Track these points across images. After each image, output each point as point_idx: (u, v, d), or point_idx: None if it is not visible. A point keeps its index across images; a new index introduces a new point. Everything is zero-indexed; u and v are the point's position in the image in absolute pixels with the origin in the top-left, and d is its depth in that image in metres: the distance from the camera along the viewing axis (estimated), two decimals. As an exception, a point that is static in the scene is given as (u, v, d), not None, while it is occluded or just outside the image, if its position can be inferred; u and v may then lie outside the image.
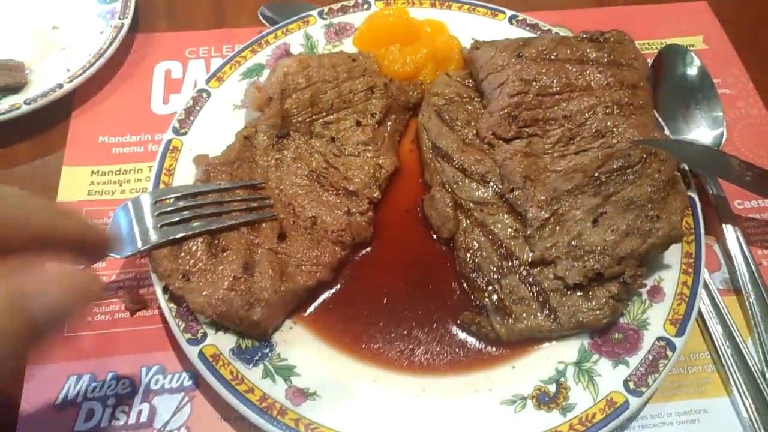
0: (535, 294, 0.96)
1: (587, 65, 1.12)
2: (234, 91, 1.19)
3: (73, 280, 0.58)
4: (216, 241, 0.98)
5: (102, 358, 0.99)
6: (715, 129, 1.18)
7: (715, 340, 0.99)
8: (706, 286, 1.02)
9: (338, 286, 1.02)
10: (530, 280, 0.97)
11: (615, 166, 1.00)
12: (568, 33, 1.33)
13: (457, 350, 0.97)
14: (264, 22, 1.33)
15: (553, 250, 0.97)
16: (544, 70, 1.11)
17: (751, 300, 1.01)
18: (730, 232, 1.09)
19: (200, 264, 0.95)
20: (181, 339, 0.93)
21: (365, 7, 1.32)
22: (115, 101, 1.29)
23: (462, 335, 0.98)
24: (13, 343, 0.50)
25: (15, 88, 1.23)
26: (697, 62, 1.24)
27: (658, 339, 0.93)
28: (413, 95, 1.19)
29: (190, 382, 0.98)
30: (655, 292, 0.98)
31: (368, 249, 1.06)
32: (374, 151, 1.11)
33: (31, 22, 1.35)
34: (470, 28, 1.28)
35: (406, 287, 1.02)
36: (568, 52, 1.14)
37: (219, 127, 1.14)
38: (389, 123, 1.16)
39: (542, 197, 1.01)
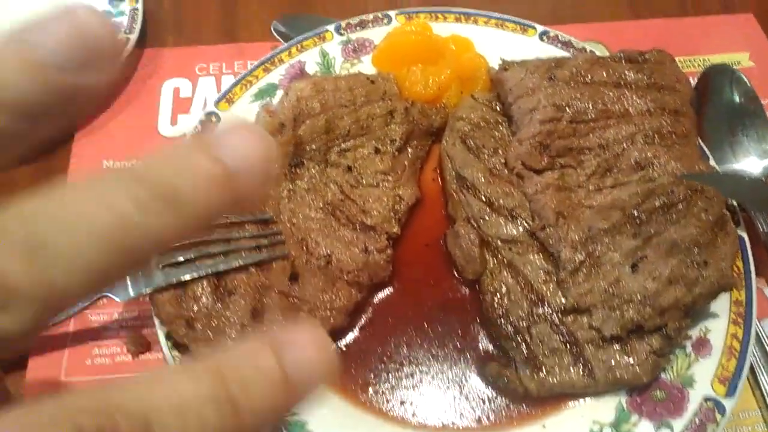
0: (568, 345, 0.89)
1: (625, 89, 1.04)
2: (245, 114, 1.12)
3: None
4: (223, 284, 0.91)
5: (102, 405, 0.93)
6: (765, 158, 1.09)
7: (767, 397, 0.91)
8: (756, 337, 0.93)
9: (354, 333, 0.95)
10: (563, 329, 0.90)
11: (657, 205, 0.92)
12: (602, 50, 1.24)
13: (483, 407, 0.90)
14: (277, 37, 1.26)
15: (588, 297, 0.90)
16: (578, 95, 1.03)
17: (806, 351, 0.93)
18: (782, 274, 1.00)
19: (205, 309, 0.89)
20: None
21: (385, 21, 1.24)
22: (120, 122, 1.22)
23: (488, 390, 0.91)
24: None
25: (15, 110, 1.17)
26: (745, 84, 1.15)
27: (706, 399, 0.85)
28: (436, 119, 1.11)
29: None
30: (701, 345, 0.90)
31: (386, 290, 0.99)
32: (394, 180, 1.04)
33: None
34: (498, 45, 1.20)
35: (428, 334, 0.95)
36: (605, 74, 1.06)
37: (228, 154, 1.07)
38: (410, 150, 1.09)
39: (576, 237, 0.93)
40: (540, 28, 1.23)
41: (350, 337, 0.95)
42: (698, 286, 0.86)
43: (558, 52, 1.19)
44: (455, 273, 1.00)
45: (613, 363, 0.86)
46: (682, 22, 1.37)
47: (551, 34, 1.22)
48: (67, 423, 0.30)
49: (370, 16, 1.24)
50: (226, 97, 1.14)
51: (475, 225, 0.99)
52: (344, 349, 0.94)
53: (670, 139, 0.98)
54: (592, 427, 0.86)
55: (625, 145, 0.99)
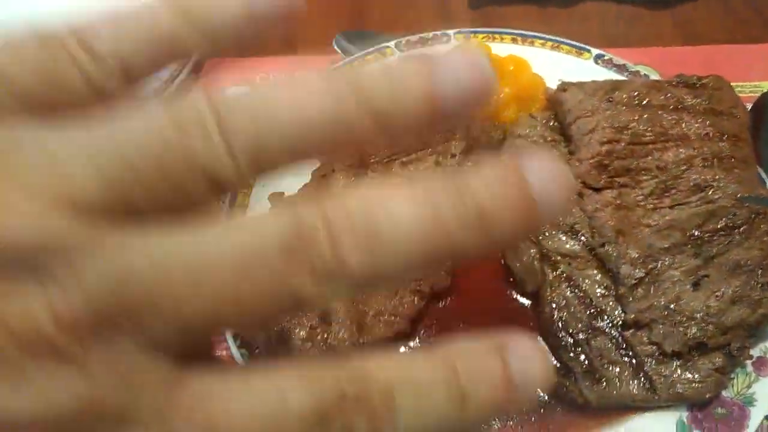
0: (628, 359, 0.90)
1: (683, 113, 1.06)
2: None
3: None
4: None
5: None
6: (819, 185, 1.11)
7: (822, 418, 0.92)
8: (813, 358, 0.95)
9: (415, 340, 0.97)
10: (622, 343, 0.91)
11: (718, 226, 0.94)
12: (654, 73, 1.26)
13: (542, 416, 0.91)
14: (339, 51, 1.29)
15: (648, 313, 0.91)
16: (636, 117, 1.05)
17: None
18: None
19: (275, 311, 0.91)
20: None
21: (444, 40, 1.27)
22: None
23: (547, 399, 0.92)
24: None
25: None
26: (798, 111, 1.17)
27: (767, 418, 0.86)
28: (495, 136, 1.14)
29: None
30: (762, 365, 0.91)
31: (445, 300, 1.01)
32: (454, 193, 1.06)
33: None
34: (554, 67, 1.23)
35: (486, 343, 0.97)
36: (662, 97, 1.08)
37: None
38: (469, 164, 1.11)
39: (636, 254, 0.95)
40: (594, 51, 1.26)
41: (412, 343, 0.97)
42: (763, 307, 0.88)
43: (613, 75, 1.22)
44: (513, 285, 1.02)
45: (674, 378, 0.87)
46: (731, 49, 1.39)
47: (606, 57, 1.25)
48: (331, 386, 0.32)
49: (430, 35, 1.28)
50: (290, 109, 1.16)
51: (535, 239, 1.01)
52: (405, 350, 0.95)
53: (729, 163, 1.00)
54: (652, 440, 0.88)
55: (683, 167, 1.01)
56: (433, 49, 1.23)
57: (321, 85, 0.33)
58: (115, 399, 0.29)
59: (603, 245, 0.98)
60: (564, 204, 0.34)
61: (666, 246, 0.95)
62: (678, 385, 0.87)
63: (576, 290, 0.96)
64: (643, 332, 0.91)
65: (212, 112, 0.31)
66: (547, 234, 1.01)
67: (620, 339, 0.92)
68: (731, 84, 1.12)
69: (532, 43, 1.27)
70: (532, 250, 1.00)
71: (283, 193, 1.05)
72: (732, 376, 0.90)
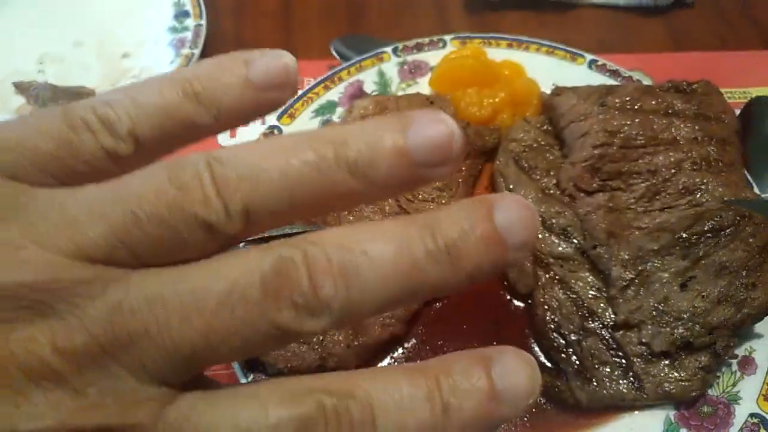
0: (618, 359, 0.93)
1: (673, 117, 1.09)
2: (306, 129, 1.17)
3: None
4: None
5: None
6: (808, 188, 1.14)
7: (807, 416, 0.95)
8: (799, 358, 0.97)
9: (410, 342, 1.00)
10: (612, 343, 0.94)
11: (705, 228, 0.96)
12: (647, 79, 1.29)
13: (533, 415, 0.93)
14: (336, 56, 1.32)
15: (638, 314, 0.94)
16: (628, 122, 1.08)
17: None
18: (822, 298, 1.04)
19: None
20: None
21: (441, 45, 1.30)
22: (182, 133, 1.28)
23: (539, 399, 0.94)
24: None
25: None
26: (787, 115, 1.20)
27: (752, 415, 0.89)
28: (490, 140, 1.17)
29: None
30: (747, 364, 0.94)
31: (440, 302, 1.04)
32: (449, 197, 1.09)
33: (102, 49, 1.36)
34: (548, 72, 1.26)
35: (479, 344, 0.99)
36: (654, 102, 1.11)
37: (290, 166, 1.13)
38: (464, 168, 1.14)
39: (626, 256, 0.98)
40: (589, 56, 1.28)
41: (407, 345, 0.99)
42: (747, 307, 0.90)
43: (606, 80, 1.25)
44: (507, 288, 1.04)
45: (662, 378, 0.90)
46: (722, 55, 1.42)
47: (599, 63, 1.27)
48: (310, 400, 0.34)
49: (426, 40, 1.30)
50: (288, 112, 1.19)
51: (528, 242, 1.03)
52: (401, 357, 0.98)
53: (717, 166, 1.03)
54: (640, 438, 0.90)
55: (673, 170, 1.04)
56: (429, 55, 1.27)
57: (305, 145, 0.37)
58: (105, 417, 0.33)
59: (594, 247, 1.00)
60: (531, 242, 0.38)
61: (656, 248, 0.97)
62: (666, 384, 0.90)
63: (568, 292, 0.99)
64: (633, 333, 0.94)
65: (210, 175, 0.35)
66: (539, 236, 1.03)
67: (611, 340, 0.94)
68: (721, 90, 1.14)
69: (527, 48, 1.30)
70: (524, 253, 1.02)
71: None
72: (718, 374, 0.93)
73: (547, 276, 1.01)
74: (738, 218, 0.96)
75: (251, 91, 0.42)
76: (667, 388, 0.89)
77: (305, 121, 1.19)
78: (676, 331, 0.91)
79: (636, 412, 0.93)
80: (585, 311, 0.97)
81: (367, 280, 0.35)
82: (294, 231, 1.02)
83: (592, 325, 0.96)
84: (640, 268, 0.97)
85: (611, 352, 0.93)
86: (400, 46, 1.29)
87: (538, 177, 1.10)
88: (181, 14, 1.39)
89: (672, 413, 0.92)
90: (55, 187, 0.37)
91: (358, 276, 0.35)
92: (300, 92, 1.23)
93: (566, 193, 1.07)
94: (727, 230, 0.96)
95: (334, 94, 1.23)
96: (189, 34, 1.35)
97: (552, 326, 0.97)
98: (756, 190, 1.09)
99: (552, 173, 1.10)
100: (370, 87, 1.25)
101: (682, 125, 1.07)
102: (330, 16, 1.49)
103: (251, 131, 1.25)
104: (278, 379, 0.36)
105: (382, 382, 0.36)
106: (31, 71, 1.32)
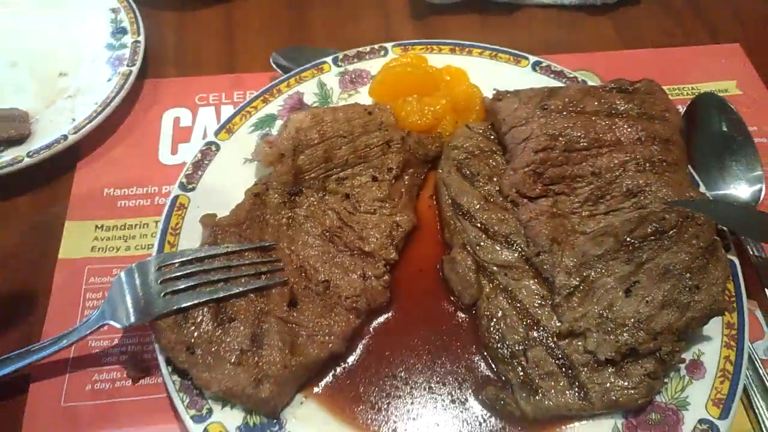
0: (563, 369, 0.90)
1: (616, 118, 1.06)
2: (244, 144, 1.14)
3: None
4: (223, 310, 0.93)
5: (102, 430, 0.94)
6: (754, 184, 1.11)
7: (760, 418, 0.92)
8: (749, 359, 0.94)
9: (352, 358, 0.96)
10: (558, 353, 0.91)
11: (648, 231, 0.94)
12: (594, 79, 1.27)
13: (479, 429, 0.90)
14: (276, 68, 1.28)
15: (583, 322, 0.91)
16: (570, 124, 1.05)
17: (798, 372, 0.95)
18: (773, 296, 1.02)
19: (206, 335, 0.90)
20: (185, 416, 0.88)
21: (382, 53, 1.27)
22: (121, 151, 1.24)
23: (485, 412, 0.91)
24: None
25: (18, 140, 1.18)
26: (732, 111, 1.18)
27: (701, 421, 0.87)
28: (432, 148, 1.14)
29: (196, 461, 0.92)
30: (695, 368, 0.91)
31: (383, 315, 1.00)
32: (391, 208, 1.06)
33: (38, 68, 1.32)
34: (492, 76, 1.23)
35: (424, 359, 0.96)
36: (596, 103, 1.08)
37: (228, 182, 1.10)
38: (407, 177, 1.11)
39: (570, 263, 0.95)
40: (532, 58, 1.26)
41: (348, 361, 0.95)
42: (690, 311, 0.88)
43: (551, 82, 1.22)
44: (451, 298, 1.01)
45: (608, 386, 0.87)
46: (670, 51, 1.40)
47: (543, 64, 1.25)
48: None
49: (367, 48, 1.27)
50: (226, 127, 1.16)
51: (471, 251, 1.00)
52: (343, 373, 0.94)
53: (661, 167, 1.00)
54: (588, 449, 0.87)
55: (617, 172, 1.01)
56: (370, 63, 1.23)
57: None
58: None
59: (538, 254, 0.97)
60: None
61: (599, 253, 0.94)
62: (612, 393, 0.87)
63: (512, 301, 0.96)
64: (578, 341, 0.91)
65: None
66: (482, 245, 1.00)
67: (556, 349, 0.91)
68: (670, 86, 1.12)
69: (470, 53, 1.27)
70: (468, 262, 0.99)
71: (215, 215, 1.04)
72: (665, 380, 0.90)
73: (491, 285, 0.98)
74: (681, 219, 0.94)
75: None
76: (613, 397, 0.86)
77: (244, 135, 1.15)
78: (620, 338, 0.88)
79: (583, 421, 0.89)
80: (530, 320, 0.94)
81: None
82: (247, 247, 0.98)
83: (537, 334, 0.93)
84: (584, 274, 0.94)
85: (557, 361, 0.90)
86: (341, 55, 1.26)
87: (481, 184, 1.07)
88: (119, 31, 1.35)
89: (620, 422, 0.89)
90: None
91: None
92: (238, 106, 1.19)
93: (509, 200, 1.04)
94: (671, 232, 0.94)
95: (274, 107, 1.19)
96: (127, 51, 1.32)
97: (496, 337, 0.94)
98: (702, 188, 1.06)
99: (495, 180, 1.07)
100: (310, 99, 1.21)
101: (625, 126, 1.05)
102: (272, 28, 1.46)
103: (193, 147, 1.22)
104: None
105: None
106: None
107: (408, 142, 1.11)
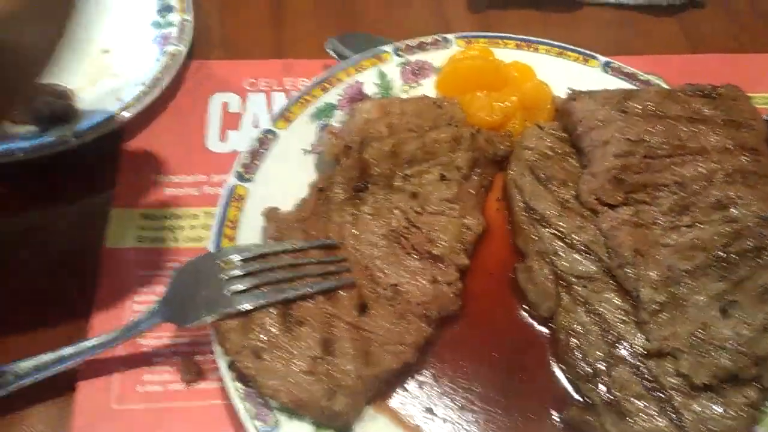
0: (652, 392, 0.84)
1: (700, 124, 1.01)
2: (303, 134, 1.07)
3: None
4: (290, 312, 0.86)
5: (155, 436, 0.87)
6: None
7: None
8: None
9: (423, 369, 0.90)
10: (645, 373, 0.85)
11: (746, 247, 0.88)
12: (660, 81, 1.20)
13: (561, 451, 0.84)
14: (332, 55, 1.21)
15: (673, 341, 0.85)
16: (652, 129, 0.99)
17: None
18: None
19: (273, 340, 0.83)
20: (251, 428, 0.81)
21: (445, 44, 1.20)
22: (167, 136, 1.16)
23: (568, 433, 0.85)
24: None
25: (62, 118, 1.10)
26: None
27: (802, 455, 0.81)
28: (502, 147, 1.07)
29: (256, 472, 0.85)
30: (795, 397, 0.86)
31: (454, 324, 0.94)
32: (459, 209, 0.99)
33: (81, 44, 1.24)
34: (559, 74, 1.17)
35: (499, 371, 0.90)
36: (678, 108, 1.02)
37: (287, 174, 1.03)
38: (475, 178, 1.04)
39: (656, 276, 0.89)
40: (602, 58, 1.20)
41: (418, 372, 0.89)
42: (797, 336, 0.82)
43: (621, 84, 1.16)
44: (524, 308, 0.95)
45: (705, 414, 0.81)
46: (739, 58, 1.34)
47: (614, 65, 1.19)
48: None
49: (429, 39, 1.20)
50: (283, 115, 1.09)
51: (548, 260, 0.94)
52: (415, 385, 0.88)
53: (753, 178, 0.95)
54: (680, 479, 0.81)
55: (703, 182, 0.95)
56: (432, 55, 1.17)
57: None
58: None
59: (620, 266, 0.91)
60: None
61: (689, 268, 0.89)
62: (709, 422, 0.80)
63: (593, 315, 0.90)
64: (668, 362, 0.85)
65: None
66: (560, 254, 0.94)
67: (644, 369, 0.85)
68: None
69: (536, 49, 1.21)
70: (545, 271, 0.93)
71: (277, 208, 0.97)
72: (764, 410, 0.84)
73: (569, 297, 0.92)
74: (781, 236, 0.88)
75: None
76: (711, 426, 0.80)
77: (302, 125, 1.08)
78: (719, 362, 0.82)
79: (674, 450, 0.83)
80: (613, 336, 0.88)
81: None
82: (313, 245, 0.92)
83: (622, 352, 0.87)
84: (672, 290, 0.88)
85: (645, 383, 0.84)
86: (402, 45, 1.19)
87: (555, 188, 1.01)
88: (165, 8, 1.28)
89: (716, 452, 0.83)
90: None
91: None
92: (295, 94, 1.12)
93: (587, 207, 0.98)
94: (769, 249, 0.88)
95: (333, 96, 1.12)
96: (174, 30, 1.24)
97: (577, 353, 0.88)
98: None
99: (570, 184, 1.01)
100: (370, 89, 1.14)
101: (710, 133, 0.99)
102: (323, 12, 1.39)
103: (243, 135, 1.15)
104: None
105: None
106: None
107: (478, 140, 1.05)
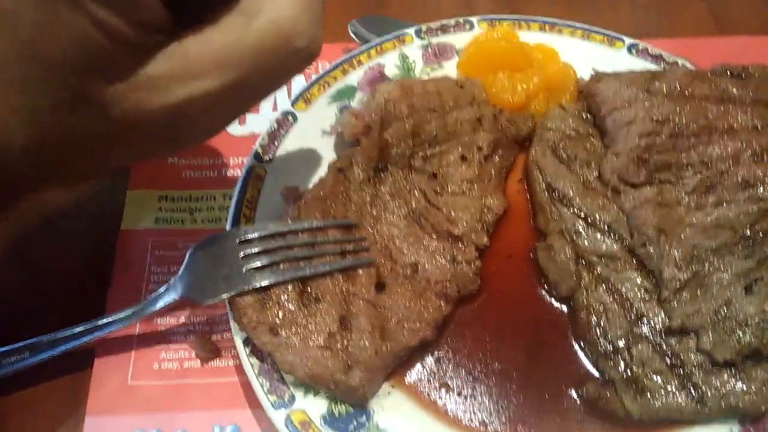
0: (674, 368, 0.86)
1: (729, 104, 1.02)
2: (323, 116, 1.11)
3: None
4: (308, 289, 0.89)
5: (170, 412, 0.91)
6: None
7: None
8: None
9: (441, 347, 0.93)
10: (667, 351, 0.87)
11: (771, 226, 0.90)
12: (688, 64, 1.22)
13: (580, 427, 0.87)
14: (354, 38, 1.25)
15: (696, 319, 0.87)
16: (678, 109, 1.02)
17: None
18: None
19: (290, 316, 0.87)
20: (266, 402, 0.84)
21: (467, 27, 1.23)
22: (186, 119, 1.21)
23: (586, 410, 0.88)
24: None
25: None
26: None
27: (826, 432, 0.83)
28: (524, 128, 1.10)
29: (271, 448, 0.89)
30: (818, 375, 0.87)
31: (473, 303, 0.97)
32: (480, 189, 1.03)
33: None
34: (584, 56, 1.19)
35: (517, 349, 0.93)
36: (706, 88, 1.04)
37: (306, 156, 1.07)
38: (497, 158, 1.07)
39: (680, 255, 0.91)
40: (628, 40, 1.22)
41: (436, 350, 0.92)
42: (821, 312, 0.84)
43: (648, 66, 1.18)
44: (545, 288, 0.98)
45: (726, 390, 0.83)
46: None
47: (640, 47, 1.21)
48: None
49: (452, 21, 1.24)
50: (303, 97, 1.12)
51: (569, 239, 0.97)
52: (433, 363, 0.91)
53: (780, 158, 0.97)
54: (701, 454, 0.84)
55: (730, 162, 0.97)
56: (455, 37, 1.20)
57: None
58: None
59: (643, 245, 0.94)
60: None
61: (714, 246, 0.91)
62: (731, 397, 0.83)
63: (614, 294, 0.92)
64: (690, 339, 0.87)
65: None
66: (582, 233, 0.97)
67: (664, 347, 0.87)
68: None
69: (560, 32, 1.23)
70: (566, 250, 0.96)
71: (297, 188, 1.01)
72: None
73: (590, 276, 0.95)
74: (806, 215, 0.90)
75: None
76: (732, 402, 0.83)
77: (323, 106, 1.12)
78: (742, 338, 0.84)
79: (694, 427, 0.86)
80: (634, 315, 0.90)
81: None
82: (332, 224, 0.95)
83: (643, 330, 0.89)
84: (695, 268, 0.90)
85: (666, 360, 0.87)
86: (424, 27, 1.23)
87: (577, 168, 1.03)
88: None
89: (735, 429, 0.85)
90: None
91: None
92: (315, 76, 1.16)
93: (610, 186, 1.00)
94: (795, 228, 0.90)
95: (353, 78, 1.16)
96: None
97: (597, 331, 0.90)
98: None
99: (593, 165, 1.04)
100: (391, 71, 1.18)
101: (738, 112, 1.01)
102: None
103: (263, 118, 1.19)
104: None
105: None
106: None
107: (500, 120, 1.08)
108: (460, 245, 0.97)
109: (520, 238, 1.04)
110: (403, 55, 1.20)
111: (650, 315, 0.90)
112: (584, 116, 1.10)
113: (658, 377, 0.86)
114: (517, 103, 1.11)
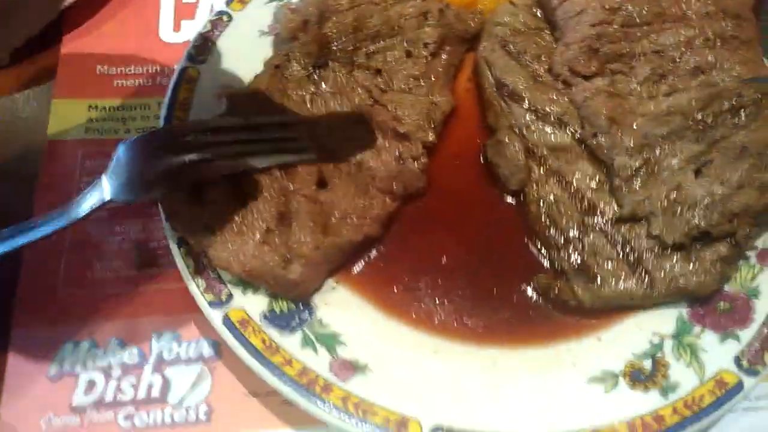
0: (624, 255, 0.88)
1: (682, -9, 1.03)
2: (260, 15, 1.10)
3: None
4: (245, 186, 0.89)
5: (104, 321, 0.91)
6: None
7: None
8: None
9: (387, 243, 0.94)
10: (618, 238, 0.90)
11: (723, 108, 0.92)
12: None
13: (531, 318, 0.89)
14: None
15: (647, 204, 0.90)
16: (630, -4, 1.02)
17: None
18: None
19: (225, 213, 0.87)
20: (202, 301, 0.85)
21: None
22: (115, 25, 1.19)
23: (536, 302, 0.90)
24: None
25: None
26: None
27: (774, 311, 0.86)
28: (472, 24, 1.10)
29: (211, 352, 0.90)
30: (766, 256, 0.90)
31: (420, 201, 0.98)
32: (427, 87, 1.03)
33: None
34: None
35: (467, 245, 0.94)
36: (659, -26, 1.05)
37: (242, 56, 1.06)
38: (444, 56, 1.08)
39: (632, 143, 0.93)
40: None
41: (384, 246, 0.93)
42: (772, 190, 0.86)
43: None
44: (495, 186, 0.99)
45: (675, 272, 0.86)
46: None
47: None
48: None
49: None
50: (238, -6, 1.11)
51: (519, 133, 0.98)
52: (378, 258, 0.92)
53: (733, 43, 0.98)
54: (651, 338, 0.86)
55: (682, 49, 0.99)
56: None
57: None
58: None
59: (595, 135, 0.95)
60: None
61: (664, 133, 0.93)
62: (680, 279, 0.85)
63: (565, 185, 0.94)
64: (641, 226, 0.90)
65: None
66: (531, 127, 0.98)
67: (616, 235, 0.90)
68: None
69: None
70: (516, 145, 0.97)
71: (231, 87, 1.00)
72: (737, 268, 0.89)
73: (541, 169, 0.96)
74: (760, 96, 0.92)
75: None
76: (681, 283, 0.85)
77: (259, 5, 1.11)
78: (692, 220, 0.87)
79: (645, 311, 0.88)
80: (585, 205, 0.92)
81: None
82: (265, 121, 0.95)
83: (594, 219, 0.91)
84: (647, 155, 0.92)
85: (617, 248, 0.89)
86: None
87: (528, 63, 1.04)
88: None
89: (685, 311, 0.88)
90: None
91: None
92: (251, -27, 1.14)
93: (560, 79, 1.01)
94: (748, 109, 0.92)
95: (291, -24, 1.15)
96: None
97: (548, 222, 0.92)
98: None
99: (543, 59, 1.04)
100: (333, -32, 1.17)
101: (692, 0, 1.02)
102: None
103: (198, 23, 1.17)
104: None
105: None
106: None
107: (447, 15, 1.08)
108: (407, 143, 0.97)
109: (470, 138, 1.04)
110: (345, -49, 1.18)
111: (601, 205, 0.92)
112: (534, 11, 1.10)
113: (609, 264, 0.88)
114: (464, -1, 1.11)
